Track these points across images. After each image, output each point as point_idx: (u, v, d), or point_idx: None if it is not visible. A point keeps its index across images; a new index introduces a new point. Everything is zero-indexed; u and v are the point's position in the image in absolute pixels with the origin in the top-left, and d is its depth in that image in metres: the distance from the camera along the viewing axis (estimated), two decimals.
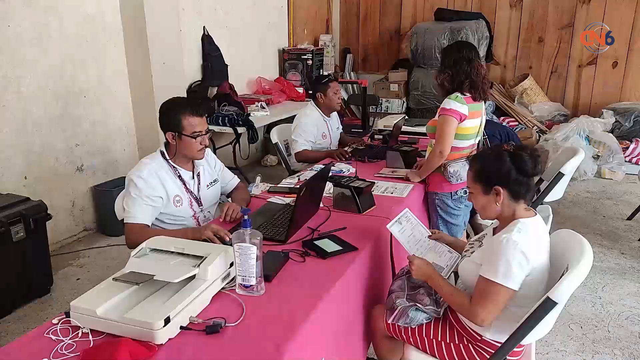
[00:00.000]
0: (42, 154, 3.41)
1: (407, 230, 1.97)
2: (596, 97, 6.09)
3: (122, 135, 4.01)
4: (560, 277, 1.47)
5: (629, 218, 4.06)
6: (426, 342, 1.72)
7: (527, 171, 1.56)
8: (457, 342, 1.67)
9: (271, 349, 1.27)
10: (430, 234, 2.00)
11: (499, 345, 1.58)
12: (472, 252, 1.69)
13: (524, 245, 1.48)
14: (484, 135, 3.04)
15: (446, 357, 1.69)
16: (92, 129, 3.75)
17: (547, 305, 1.41)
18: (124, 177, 2.10)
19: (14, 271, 2.76)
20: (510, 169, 1.56)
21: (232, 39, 5.13)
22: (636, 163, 5.26)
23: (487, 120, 3.11)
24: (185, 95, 4.37)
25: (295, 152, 3.37)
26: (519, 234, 1.50)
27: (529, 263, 1.49)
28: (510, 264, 1.47)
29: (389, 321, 1.74)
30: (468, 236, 3.16)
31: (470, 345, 1.65)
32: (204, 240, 1.80)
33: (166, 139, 2.11)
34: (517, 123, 5.99)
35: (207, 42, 4.77)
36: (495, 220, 1.70)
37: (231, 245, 1.52)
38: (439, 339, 1.70)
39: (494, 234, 1.67)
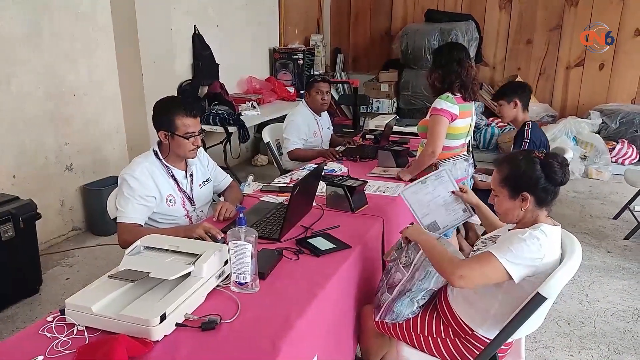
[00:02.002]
0: (32, 152, 3.38)
1: (429, 187, 2.00)
2: (583, 98, 6.18)
3: (112, 134, 3.98)
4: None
5: (615, 217, 4.13)
6: (414, 337, 1.73)
7: (556, 180, 1.55)
8: (443, 336, 1.69)
9: (266, 346, 1.28)
10: (457, 189, 2.02)
11: (488, 341, 1.60)
12: (485, 248, 1.68)
13: (543, 243, 1.49)
14: (526, 136, 2.88)
15: (434, 352, 1.71)
16: (82, 128, 3.72)
17: (537, 300, 1.44)
18: (114, 176, 2.10)
19: (3, 271, 2.73)
20: (540, 176, 1.55)
21: (223, 38, 5.13)
22: (622, 163, 5.35)
23: (532, 124, 2.92)
24: (176, 94, 4.36)
25: (287, 151, 3.39)
26: (542, 233, 1.51)
27: (540, 261, 1.48)
28: (523, 252, 1.46)
29: (377, 319, 1.76)
30: (458, 231, 3.19)
31: (458, 339, 1.67)
32: (196, 238, 1.81)
33: (159, 137, 2.11)
34: (505, 124, 6.06)
35: (198, 41, 4.76)
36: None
37: (223, 243, 1.53)
38: (426, 334, 1.72)
39: None
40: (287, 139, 3.38)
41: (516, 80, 3.21)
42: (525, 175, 1.57)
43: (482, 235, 1.89)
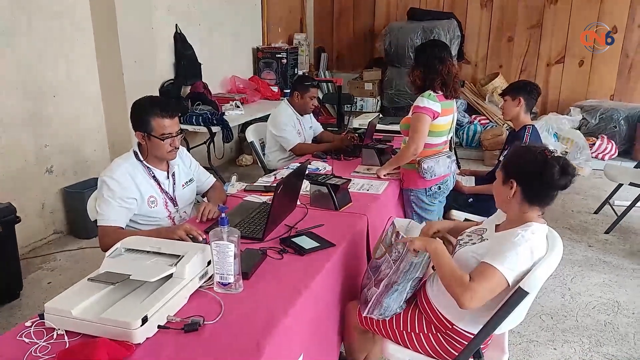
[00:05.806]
0: (10, 154, 3.31)
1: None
2: (564, 94, 6.27)
3: (93, 135, 3.92)
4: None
5: (596, 212, 4.20)
6: (397, 334, 1.74)
7: (548, 181, 1.52)
8: (425, 332, 1.70)
9: (251, 346, 1.27)
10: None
11: (469, 335, 1.62)
12: (472, 243, 1.68)
13: (533, 246, 1.50)
14: (525, 142, 2.80)
15: (418, 348, 1.72)
16: (62, 129, 3.65)
17: (519, 294, 1.45)
18: (95, 178, 2.06)
19: None
20: (533, 171, 1.54)
21: (205, 38, 5.08)
22: (602, 159, 5.45)
23: (533, 129, 2.87)
24: (157, 94, 4.31)
25: (289, 148, 3.36)
26: (532, 234, 1.52)
27: (531, 262, 1.50)
28: (518, 259, 1.48)
29: (364, 314, 1.75)
30: None
31: (440, 334, 1.68)
32: (177, 239, 1.78)
33: (137, 138, 2.08)
34: (488, 121, 6.12)
35: (180, 40, 4.70)
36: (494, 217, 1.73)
37: (205, 244, 1.52)
38: (409, 330, 1.72)
39: (496, 230, 1.67)
40: (284, 138, 3.35)
41: (528, 80, 3.20)
42: (520, 163, 1.58)
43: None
